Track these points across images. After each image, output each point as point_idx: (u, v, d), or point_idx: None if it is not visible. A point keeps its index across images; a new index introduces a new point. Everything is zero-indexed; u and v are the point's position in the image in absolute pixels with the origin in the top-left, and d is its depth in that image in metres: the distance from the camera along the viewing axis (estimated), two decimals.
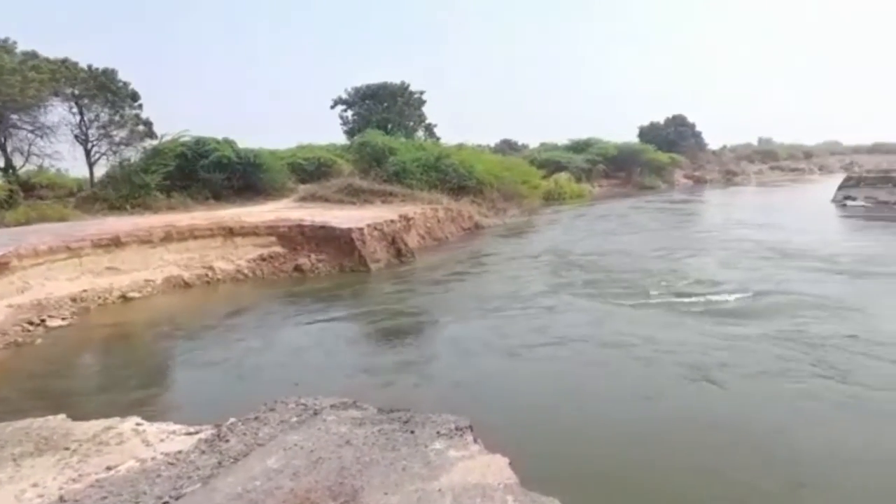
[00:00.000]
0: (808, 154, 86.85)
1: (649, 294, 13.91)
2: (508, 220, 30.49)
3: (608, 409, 8.06)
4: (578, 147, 56.67)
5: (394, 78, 44.97)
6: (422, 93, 45.27)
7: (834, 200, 35.02)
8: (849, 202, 33.48)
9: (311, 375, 9.58)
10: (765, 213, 31.97)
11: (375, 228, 19.25)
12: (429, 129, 46.07)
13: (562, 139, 61.13)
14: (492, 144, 64.22)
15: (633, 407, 8.01)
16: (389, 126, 41.35)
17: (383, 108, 43.09)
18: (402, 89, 44.25)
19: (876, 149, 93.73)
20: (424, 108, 46.13)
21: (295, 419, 4.49)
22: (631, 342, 10.54)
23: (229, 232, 18.10)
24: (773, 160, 79.94)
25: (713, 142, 76.54)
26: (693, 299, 13.29)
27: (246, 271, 17.30)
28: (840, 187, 36.25)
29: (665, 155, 60.03)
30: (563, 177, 46.68)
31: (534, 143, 66.26)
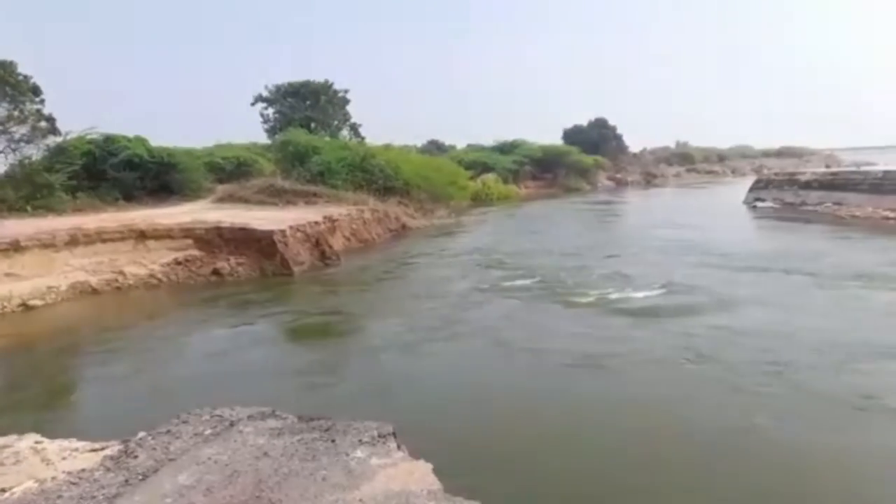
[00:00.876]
0: (721, 157, 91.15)
1: (572, 294, 14.06)
2: (436, 221, 30.39)
3: (529, 405, 8.00)
4: (505, 148, 57.40)
5: (317, 76, 44.17)
6: (346, 91, 44.60)
7: (745, 202, 36.76)
8: (759, 203, 35.21)
9: (229, 385, 9.07)
10: (682, 214, 33.16)
11: (298, 230, 18.67)
12: (354, 129, 45.43)
13: (488, 140, 61.85)
14: (419, 145, 64.21)
15: (550, 401, 8.07)
16: (313, 125, 40.53)
17: (306, 107, 42.11)
18: (326, 87, 43.41)
19: (783, 152, 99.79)
20: (349, 108, 45.50)
21: (209, 431, 4.20)
22: (550, 341, 10.61)
23: (141, 235, 17.10)
24: (689, 163, 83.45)
25: (633, 145, 79.28)
26: (611, 297, 13.55)
27: (160, 276, 16.38)
28: (751, 189, 38.12)
29: (589, 157, 61.65)
30: (490, 178, 47.13)
31: (461, 144, 66.78)
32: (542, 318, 11.99)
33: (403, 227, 27.24)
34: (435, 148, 64.16)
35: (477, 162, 49.84)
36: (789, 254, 18.42)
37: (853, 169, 45.09)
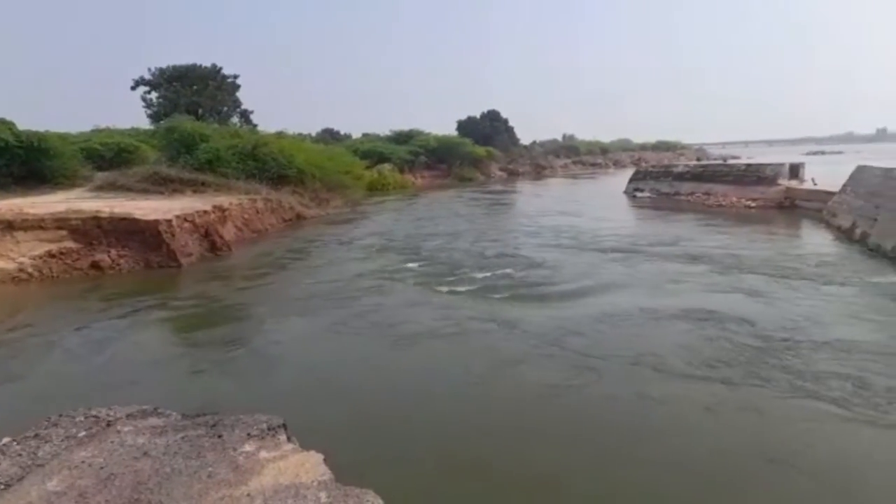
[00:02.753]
0: (604, 150, 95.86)
1: (463, 279, 14.51)
2: (332, 210, 30.07)
3: (418, 390, 8.24)
4: (401, 138, 57.45)
5: (204, 60, 42.18)
6: (236, 77, 42.94)
7: (626, 192, 38.97)
8: (638, 194, 37.40)
9: (107, 383, 8.63)
10: (568, 202, 34.76)
11: (186, 220, 17.92)
12: (245, 116, 43.82)
13: (384, 130, 61.65)
14: (313, 134, 62.91)
15: (440, 386, 8.30)
16: (200, 111, 38.74)
17: (193, 92, 40.11)
18: (214, 72, 41.58)
19: (659, 146, 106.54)
20: (240, 94, 43.81)
21: (83, 433, 3.95)
22: (440, 325, 10.89)
23: (8, 225, 15.77)
24: (575, 155, 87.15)
25: (524, 137, 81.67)
26: (500, 282, 14.07)
27: (30, 270, 15.20)
28: (630, 180, 40.46)
29: (482, 149, 62.91)
30: (386, 168, 47.06)
31: (356, 134, 66.09)
32: (440, 307, 12.21)
33: (298, 216, 26.75)
34: (330, 137, 63.16)
35: (373, 151, 49.59)
36: (659, 239, 19.89)
37: (720, 162, 49.00)
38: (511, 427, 7.03)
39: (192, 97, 39.78)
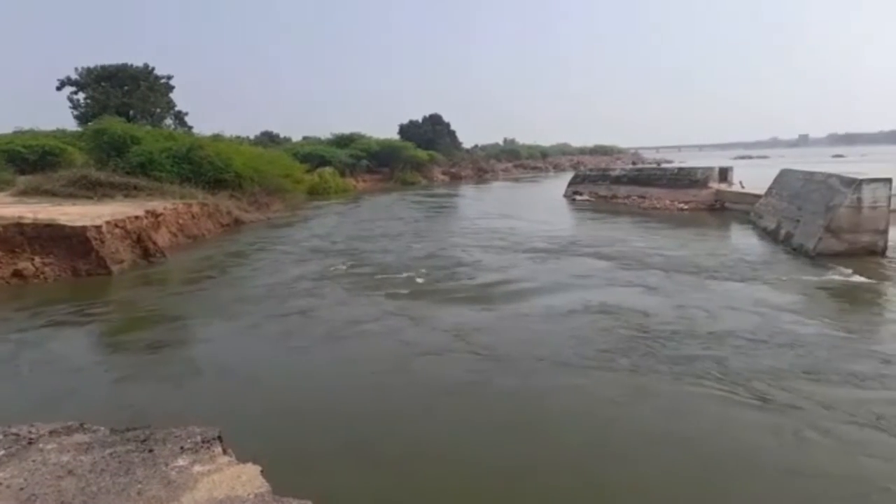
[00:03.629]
0: (544, 154, 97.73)
1: (395, 281, 14.50)
2: (272, 215, 29.48)
3: (360, 398, 8.05)
4: (342, 142, 57.00)
5: (136, 60, 40.77)
6: (169, 77, 41.68)
7: (565, 195, 39.72)
8: (577, 197, 38.17)
9: (30, 399, 8.14)
10: (510, 205, 35.19)
11: (117, 226, 17.21)
12: (179, 118, 42.61)
13: (325, 133, 61.03)
14: (252, 137, 61.65)
15: (382, 394, 8.16)
16: (132, 112, 37.39)
17: (123, 93, 38.71)
18: (146, 72, 40.24)
19: (596, 150, 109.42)
20: (174, 95, 42.51)
21: (2, 453, 3.69)
22: (381, 330, 10.85)
23: None
24: (516, 159, 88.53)
25: (466, 141, 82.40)
26: (440, 286, 14.09)
27: None
28: (570, 184, 41.27)
29: (424, 152, 63.07)
30: (327, 171, 46.57)
31: (297, 137, 65.16)
32: (383, 313, 12.08)
33: (236, 221, 26.10)
34: (269, 140, 62.07)
35: (313, 155, 49.00)
36: (593, 240, 20.36)
37: (655, 166, 50.69)
38: (441, 424, 7.22)
39: (123, 98, 38.39)
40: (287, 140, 64.05)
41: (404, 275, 15.33)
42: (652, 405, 7.44)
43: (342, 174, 49.27)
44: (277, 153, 42.32)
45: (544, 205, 35.36)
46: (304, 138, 62.52)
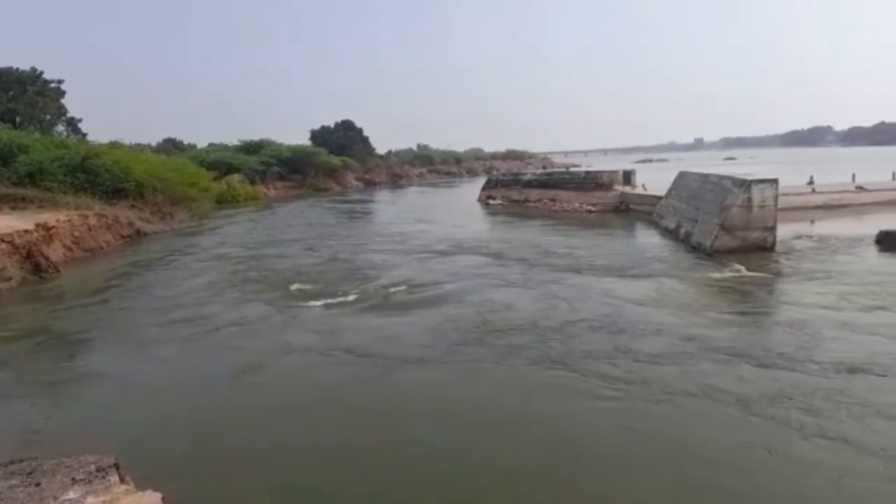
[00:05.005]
0: (458, 159, 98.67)
1: (338, 295, 14.16)
2: (177, 225, 28.26)
3: (272, 416, 7.75)
4: (251, 148, 55.42)
5: (21, 63, 38.05)
6: (60, 82, 39.13)
7: (479, 199, 40.32)
8: (490, 201, 38.81)
9: None
10: (425, 211, 35.38)
11: (3, 240, 16.00)
12: (72, 125, 40.11)
13: (232, 140, 59.11)
14: (153, 144, 58.89)
15: (295, 413, 7.88)
16: (18, 119, 34.85)
17: (8, 98, 36.01)
18: (34, 76, 37.61)
19: (508, 155, 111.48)
20: (66, 101, 39.97)
21: None
22: (297, 342, 10.65)
23: None
24: (430, 164, 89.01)
25: (379, 146, 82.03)
26: (359, 294, 13.97)
27: None
28: (483, 188, 41.92)
29: (337, 158, 62.32)
30: (235, 179, 45.19)
31: (202, 143, 62.67)
32: (298, 325, 11.83)
33: (138, 232, 24.84)
34: (172, 147, 59.33)
35: (221, 162, 47.42)
36: (503, 242, 20.93)
37: (563, 170, 52.36)
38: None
39: (8, 103, 35.73)
40: (192, 147, 61.44)
41: (297, 281, 15.41)
42: (490, 391, 8.16)
43: (252, 182, 47.91)
44: (181, 161, 40.64)
45: (459, 209, 35.77)
46: (211, 145, 60.16)
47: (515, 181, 40.06)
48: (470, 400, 7.92)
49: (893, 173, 34.47)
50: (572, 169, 53.20)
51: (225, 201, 40.12)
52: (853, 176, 31.70)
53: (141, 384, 8.95)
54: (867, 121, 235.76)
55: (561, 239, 21.48)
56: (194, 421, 7.65)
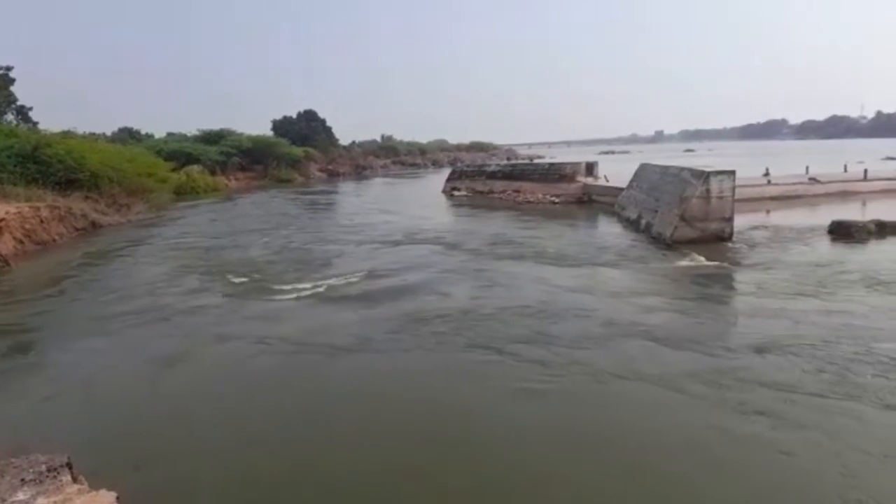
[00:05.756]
0: (423, 151, 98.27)
1: (287, 285, 14.06)
2: (134, 217, 27.56)
3: (228, 410, 7.69)
4: (211, 138, 54.24)
5: None
6: (9, 69, 37.70)
7: (444, 191, 40.31)
8: (455, 192, 38.85)
9: None
10: (390, 202, 35.29)
11: None
12: (22, 113, 38.68)
13: (192, 129, 57.78)
14: (109, 133, 57.23)
15: (248, 406, 7.85)
16: None
17: None
18: None
19: (473, 147, 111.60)
20: (15, 88, 38.52)
21: None
22: (237, 332, 10.65)
23: None
24: (395, 156, 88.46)
25: (343, 137, 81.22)
26: (308, 284, 13.92)
27: None
28: (448, 179, 41.90)
29: (299, 149, 61.49)
30: (195, 169, 44.27)
31: (160, 133, 61.13)
32: (263, 318, 11.65)
33: (93, 224, 24.15)
34: (128, 136, 57.73)
35: (179, 152, 46.38)
36: (466, 232, 21.09)
37: (527, 162, 52.62)
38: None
39: None
40: (149, 137, 59.88)
41: (249, 273, 15.40)
42: (418, 377, 8.51)
43: (212, 172, 46.97)
44: (138, 150, 39.66)
45: (423, 200, 35.70)
46: (169, 134, 58.68)
47: (480, 172, 40.10)
48: (396, 385, 8.23)
49: (845, 165, 35.76)
50: (536, 160, 53.45)
51: (184, 193, 39.27)
52: (807, 168, 32.78)
53: (77, 376, 8.83)
54: (820, 115, 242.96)
55: (522, 230, 21.67)
56: (121, 413, 7.61)
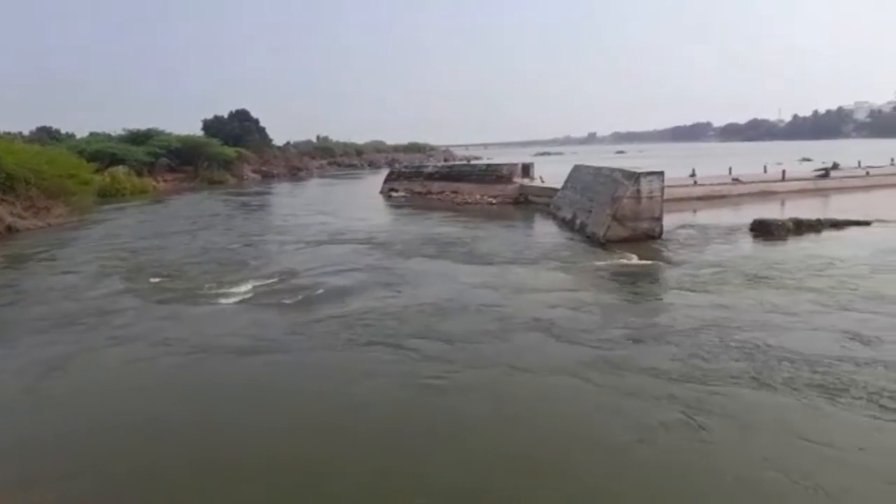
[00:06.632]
0: (359, 151, 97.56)
1: (201, 289, 13.83)
2: (54, 221, 26.19)
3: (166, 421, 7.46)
4: (137, 139, 52.29)
5: None
6: None
7: (382, 192, 40.07)
8: (393, 193, 38.69)
9: None
10: (326, 203, 34.91)
11: None
12: None
13: (116, 129, 55.47)
14: (25, 133, 54.29)
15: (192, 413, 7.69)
16: None
17: None
18: None
19: (410, 148, 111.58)
20: None
21: None
22: (142, 334, 10.58)
23: None
24: (330, 156, 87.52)
25: (277, 138, 79.69)
26: (221, 288, 13.82)
27: None
28: (386, 181, 41.69)
29: (232, 149, 60.04)
30: (120, 171, 42.54)
31: (82, 133, 58.39)
32: (201, 324, 11.29)
33: (9, 229, 22.88)
34: (47, 136, 54.96)
35: (103, 153, 44.53)
36: (401, 233, 21.30)
37: (465, 163, 53.03)
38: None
39: None
40: (70, 136, 57.15)
41: (166, 276, 15.29)
42: (315, 374, 8.80)
43: (139, 174, 45.28)
44: (58, 151, 37.67)
45: (360, 202, 35.53)
46: (92, 134, 56.09)
47: (418, 174, 40.09)
48: (292, 382, 8.50)
49: (765, 166, 37.71)
50: (473, 162, 53.92)
51: (109, 195, 37.72)
52: (730, 169, 34.40)
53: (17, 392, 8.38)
54: (741, 118, 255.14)
55: (458, 230, 21.88)
56: (76, 429, 7.28)
